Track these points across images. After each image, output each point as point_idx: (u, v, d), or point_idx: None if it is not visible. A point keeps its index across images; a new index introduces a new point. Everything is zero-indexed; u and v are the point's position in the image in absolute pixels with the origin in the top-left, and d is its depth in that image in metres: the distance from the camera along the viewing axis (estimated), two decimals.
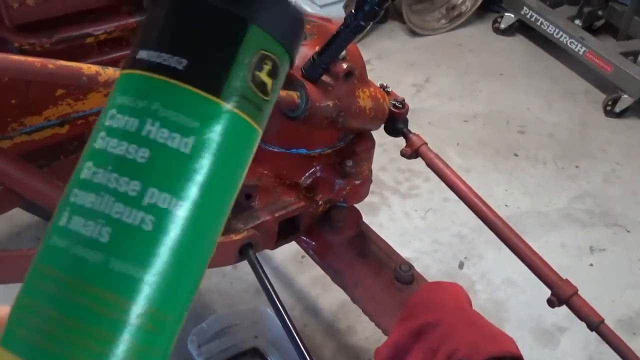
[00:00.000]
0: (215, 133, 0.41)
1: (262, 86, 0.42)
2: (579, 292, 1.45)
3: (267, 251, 1.89)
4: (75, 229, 0.39)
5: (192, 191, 0.40)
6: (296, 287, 2.35)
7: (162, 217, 0.39)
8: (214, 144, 0.41)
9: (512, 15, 3.83)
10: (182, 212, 0.40)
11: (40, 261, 0.39)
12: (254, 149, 0.44)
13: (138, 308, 0.39)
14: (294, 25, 0.45)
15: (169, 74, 0.41)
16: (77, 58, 1.24)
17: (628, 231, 2.75)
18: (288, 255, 2.39)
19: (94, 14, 1.28)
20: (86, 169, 0.40)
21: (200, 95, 0.41)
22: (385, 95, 1.52)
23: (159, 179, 0.40)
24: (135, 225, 0.39)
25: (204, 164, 0.41)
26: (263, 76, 0.42)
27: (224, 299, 2.27)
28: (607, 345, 1.45)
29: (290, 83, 1.35)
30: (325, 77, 1.34)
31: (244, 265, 1.38)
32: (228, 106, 0.41)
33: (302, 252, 2.21)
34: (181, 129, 0.40)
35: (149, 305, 0.39)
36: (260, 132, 0.44)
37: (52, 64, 0.99)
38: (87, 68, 1.02)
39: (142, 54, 0.42)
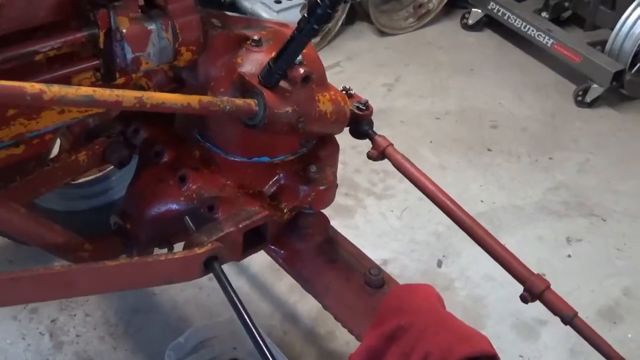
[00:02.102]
0: None
1: None
2: (558, 284, 1.44)
3: (244, 260, 1.87)
4: None
5: None
6: (274, 294, 2.32)
7: None
8: None
9: (480, 11, 3.83)
10: None
11: None
12: None
13: None
14: None
15: None
16: (27, 77, 1.21)
17: (604, 220, 2.76)
18: (265, 263, 2.36)
19: (43, 31, 1.25)
20: None
21: None
22: (347, 98, 1.51)
23: None
24: None
25: None
26: None
27: (201, 311, 2.24)
28: None
29: (247, 91, 1.33)
30: (282, 83, 1.32)
31: None
32: None
33: None
34: None
35: None
36: None
37: None
38: (30, 87, 0.99)
39: None
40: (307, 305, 2.25)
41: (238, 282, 2.31)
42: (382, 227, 2.64)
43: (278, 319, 2.23)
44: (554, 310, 1.39)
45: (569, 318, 1.38)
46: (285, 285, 2.32)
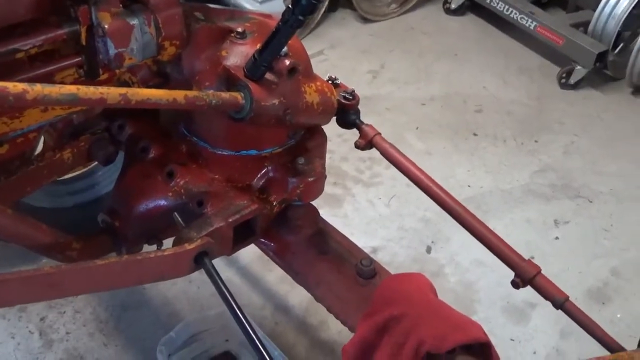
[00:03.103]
0: None
1: None
2: (547, 266, 1.44)
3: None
4: None
5: None
6: (265, 285, 2.32)
7: None
8: None
9: None
10: None
11: None
12: None
13: None
14: None
15: None
16: (8, 75, 1.19)
17: (591, 202, 2.77)
18: (254, 254, 2.36)
19: (23, 28, 1.23)
20: None
21: None
22: (333, 88, 1.50)
23: None
24: None
25: None
26: None
27: (192, 305, 2.23)
28: None
29: (233, 84, 1.31)
30: (268, 75, 1.31)
31: None
32: None
33: None
34: None
35: None
36: None
37: None
38: (13, 87, 0.97)
39: None
40: (298, 295, 2.25)
41: (228, 274, 2.30)
42: (371, 215, 2.64)
43: (269, 310, 2.23)
44: (545, 295, 1.39)
45: (560, 302, 1.38)
46: (275, 276, 2.32)
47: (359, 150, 2.76)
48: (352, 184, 2.77)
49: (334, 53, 3.51)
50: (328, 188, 2.55)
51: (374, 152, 1.81)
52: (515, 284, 1.43)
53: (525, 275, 1.40)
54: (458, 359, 1.24)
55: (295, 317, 2.23)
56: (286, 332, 2.17)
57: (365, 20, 3.78)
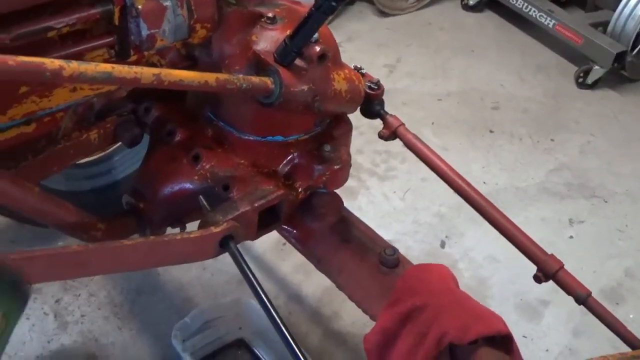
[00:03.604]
0: None
1: None
2: None
3: (248, 241, 1.87)
4: None
5: None
6: (279, 275, 2.32)
7: None
8: None
9: None
10: None
11: None
12: None
13: None
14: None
15: None
16: (39, 53, 1.19)
17: (606, 202, 2.77)
18: (269, 243, 2.36)
19: (53, 7, 1.23)
20: None
21: None
22: (361, 77, 1.49)
23: None
24: None
25: None
26: None
27: (206, 292, 2.23)
28: (590, 318, 1.45)
29: (263, 69, 1.31)
30: (298, 61, 1.31)
31: (225, 256, 1.35)
32: None
33: (283, 240, 2.17)
34: None
35: None
36: None
37: (13, 60, 0.94)
38: (50, 63, 0.97)
39: None
40: (311, 285, 2.26)
41: None
42: (385, 208, 2.64)
43: (283, 299, 2.23)
44: (568, 290, 1.39)
45: (583, 298, 1.38)
46: (289, 265, 2.32)
47: (375, 144, 2.79)
48: (367, 176, 2.76)
49: (351, 46, 3.51)
50: None
51: (389, 145, 1.81)
52: (538, 279, 1.42)
53: (548, 269, 1.39)
54: (480, 351, 1.24)
55: (309, 307, 2.23)
56: (299, 321, 2.17)
57: (383, 14, 3.77)
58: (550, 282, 1.41)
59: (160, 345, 2.03)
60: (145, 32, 1.23)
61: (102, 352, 2.01)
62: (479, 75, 3.43)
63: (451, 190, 1.56)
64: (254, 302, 1.90)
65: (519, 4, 3.59)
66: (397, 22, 3.78)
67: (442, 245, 2.51)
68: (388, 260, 1.41)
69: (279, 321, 1.23)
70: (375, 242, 1.49)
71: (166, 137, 1.46)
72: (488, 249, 2.44)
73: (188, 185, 1.39)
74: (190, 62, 1.45)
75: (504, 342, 1.29)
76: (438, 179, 1.56)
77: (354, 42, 3.56)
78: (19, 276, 1.07)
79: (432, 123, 3.08)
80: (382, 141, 1.63)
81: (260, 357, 1.98)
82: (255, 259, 2.35)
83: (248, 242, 2.29)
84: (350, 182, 2.69)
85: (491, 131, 3.07)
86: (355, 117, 1.60)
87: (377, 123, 1.63)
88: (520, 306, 2.31)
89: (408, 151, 1.61)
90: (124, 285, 2.21)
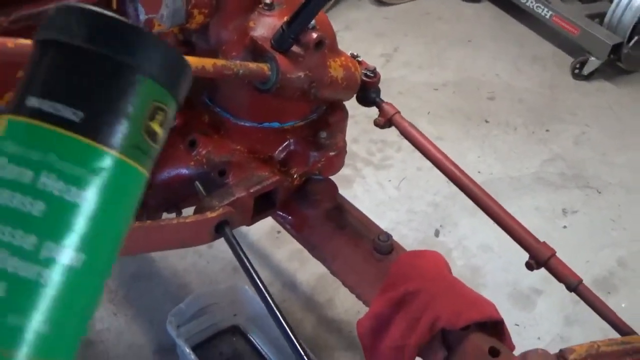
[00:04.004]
0: (112, 184, 0.42)
1: (153, 135, 0.44)
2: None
3: (242, 228, 1.88)
4: None
5: (88, 241, 0.41)
6: (273, 262, 2.33)
7: (58, 270, 0.39)
8: (110, 194, 0.42)
9: None
10: (77, 263, 0.40)
11: None
12: (141, 192, 0.46)
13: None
14: (181, 73, 0.46)
15: (64, 125, 0.41)
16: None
17: (600, 192, 2.78)
18: (264, 231, 2.37)
19: None
20: None
21: (97, 148, 0.41)
22: (357, 64, 1.50)
23: (56, 232, 0.39)
24: (31, 279, 0.38)
25: (100, 214, 0.41)
26: (155, 126, 0.44)
27: (201, 279, 2.25)
28: (582, 307, 1.46)
29: (260, 55, 1.32)
30: (295, 48, 1.31)
31: (220, 243, 1.36)
32: (123, 157, 0.42)
33: (278, 228, 2.19)
34: (78, 182, 0.40)
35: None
36: (147, 175, 0.46)
37: (12, 42, 0.95)
38: None
39: (33, 102, 0.41)
40: (306, 273, 2.27)
41: None
42: (380, 197, 2.65)
43: (277, 287, 2.24)
44: (559, 277, 1.40)
45: (574, 285, 1.39)
46: (284, 253, 2.33)
47: (370, 132, 2.80)
48: (363, 165, 2.77)
49: (348, 34, 3.51)
50: None
51: (385, 134, 1.82)
52: (530, 266, 1.43)
53: (540, 257, 1.41)
54: (472, 336, 1.26)
55: (303, 295, 2.24)
56: (293, 309, 2.19)
57: (381, 3, 3.78)
58: (543, 271, 1.43)
59: (155, 331, 2.04)
60: (143, 17, 1.24)
61: (97, 338, 2.02)
62: (475, 65, 3.44)
63: (446, 180, 1.57)
64: (249, 289, 1.91)
65: None
66: (395, 12, 3.78)
67: (437, 234, 2.52)
68: (382, 246, 1.42)
69: (274, 307, 1.24)
70: (369, 228, 1.51)
71: None
72: (482, 238, 2.46)
73: (184, 171, 1.40)
74: (187, 47, 1.45)
75: (496, 328, 1.30)
76: (433, 168, 1.57)
77: (352, 30, 3.56)
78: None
79: (428, 112, 3.09)
80: (377, 130, 1.64)
81: (255, 343, 1.99)
82: (249, 247, 2.36)
83: (243, 230, 2.31)
84: (345, 171, 2.71)
85: (487, 121, 3.09)
86: (351, 106, 1.61)
87: (372, 112, 1.64)
88: (513, 295, 2.32)
89: (403, 140, 1.62)
90: (119, 272, 2.22)
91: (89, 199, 0.40)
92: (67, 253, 0.40)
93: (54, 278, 0.39)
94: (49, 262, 0.39)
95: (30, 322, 0.38)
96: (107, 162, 0.41)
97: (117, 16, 0.44)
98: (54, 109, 0.41)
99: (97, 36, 0.43)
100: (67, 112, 0.41)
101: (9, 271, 0.39)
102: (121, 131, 0.42)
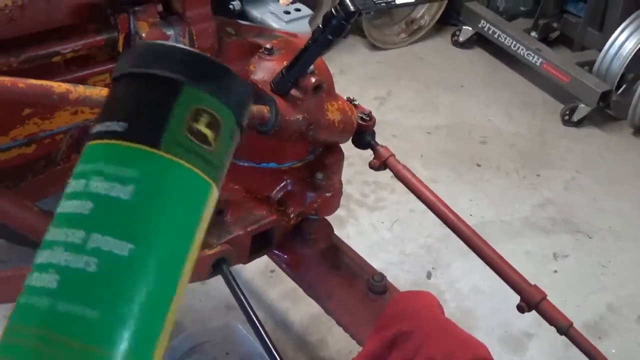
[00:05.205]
0: (155, 179, 0.45)
1: (200, 136, 0.47)
2: None
3: (236, 266, 1.89)
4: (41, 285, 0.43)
5: (136, 233, 0.44)
6: (266, 302, 2.34)
7: (106, 259, 0.43)
8: (154, 189, 0.45)
9: (470, 29, 3.90)
10: (124, 252, 0.43)
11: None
12: (209, 202, 0.49)
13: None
14: (221, 77, 0.50)
15: (111, 136, 0.46)
16: (44, 77, 1.23)
17: (590, 237, 2.81)
18: (257, 270, 2.39)
19: (60, 33, 1.27)
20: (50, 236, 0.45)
21: (138, 149, 0.45)
22: (353, 108, 1.54)
23: (101, 224, 0.44)
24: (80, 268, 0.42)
25: (146, 208, 0.45)
26: (201, 127, 0.47)
27: (193, 317, 2.25)
28: (574, 351, 1.48)
29: (260, 98, 1.36)
30: (294, 91, 1.35)
31: (213, 281, 1.38)
32: (167, 155, 0.46)
33: (271, 267, 2.20)
34: (121, 179, 0.44)
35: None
36: (213, 184, 0.49)
37: (23, 82, 0.98)
38: (58, 86, 1.01)
39: (94, 128, 0.48)
40: (299, 312, 2.28)
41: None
42: (373, 238, 2.67)
43: (270, 326, 2.24)
44: (550, 320, 1.42)
45: (565, 328, 1.41)
46: (277, 292, 2.34)
47: (364, 174, 2.83)
48: (356, 206, 2.80)
49: (343, 78, 3.57)
50: None
51: (379, 176, 1.85)
52: (521, 308, 1.46)
53: (532, 299, 1.43)
54: None
55: (296, 334, 2.24)
56: (286, 348, 2.19)
57: (375, 47, 3.85)
58: (535, 314, 1.45)
59: None
60: None
61: None
62: (467, 109, 3.50)
63: (438, 222, 1.60)
64: (242, 328, 1.91)
65: (508, 42, 3.67)
66: (388, 56, 3.86)
67: (429, 276, 2.54)
68: (376, 286, 1.45)
69: (270, 346, 1.26)
70: (364, 268, 1.53)
71: None
72: (473, 280, 2.47)
73: None
74: None
75: None
76: (426, 210, 1.60)
77: (346, 74, 3.62)
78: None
79: (421, 155, 3.13)
80: (371, 172, 1.67)
81: None
82: (243, 285, 2.34)
83: (236, 269, 2.32)
84: (339, 212, 2.71)
85: (478, 165, 3.13)
86: (345, 148, 1.65)
87: (367, 154, 1.67)
88: (505, 338, 2.33)
89: (396, 182, 1.65)
90: None
91: (130, 192, 0.44)
92: (112, 243, 0.43)
93: (102, 266, 0.43)
94: (96, 252, 0.43)
95: (90, 311, 0.42)
96: (146, 159, 0.45)
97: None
98: (103, 126, 0.47)
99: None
100: (114, 126, 0.46)
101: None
102: (158, 131, 0.46)
